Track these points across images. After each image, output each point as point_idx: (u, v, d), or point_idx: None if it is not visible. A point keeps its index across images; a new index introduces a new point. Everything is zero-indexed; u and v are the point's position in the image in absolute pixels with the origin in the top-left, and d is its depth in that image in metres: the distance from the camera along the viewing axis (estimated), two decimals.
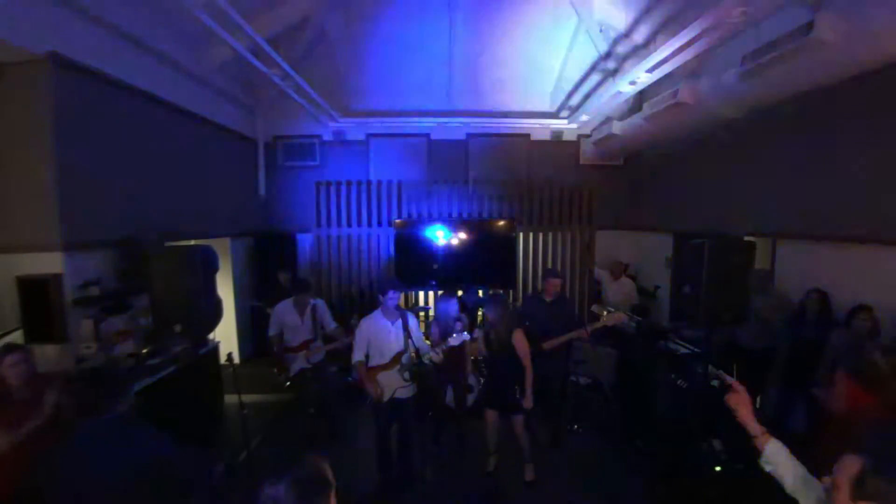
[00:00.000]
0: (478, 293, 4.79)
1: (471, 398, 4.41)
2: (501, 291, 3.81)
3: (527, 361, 3.53)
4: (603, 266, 6.84)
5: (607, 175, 7.58)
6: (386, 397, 3.45)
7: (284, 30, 5.21)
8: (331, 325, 4.38)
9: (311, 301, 4.32)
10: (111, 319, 3.78)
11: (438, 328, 4.24)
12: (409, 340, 3.43)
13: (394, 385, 3.47)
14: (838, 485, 1.19)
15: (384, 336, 3.50)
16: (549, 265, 6.94)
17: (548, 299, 4.21)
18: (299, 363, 4.26)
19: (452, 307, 4.41)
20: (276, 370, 4.22)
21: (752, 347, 4.34)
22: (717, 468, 3.45)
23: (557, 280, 4.26)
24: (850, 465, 1.18)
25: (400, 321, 3.49)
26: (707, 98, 4.58)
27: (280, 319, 4.26)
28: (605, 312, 4.01)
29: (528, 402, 3.52)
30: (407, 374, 3.46)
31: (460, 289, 5.08)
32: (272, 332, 4.29)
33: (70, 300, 3.48)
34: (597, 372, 4.66)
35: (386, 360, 3.50)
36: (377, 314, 3.56)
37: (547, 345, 3.92)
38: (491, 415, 3.73)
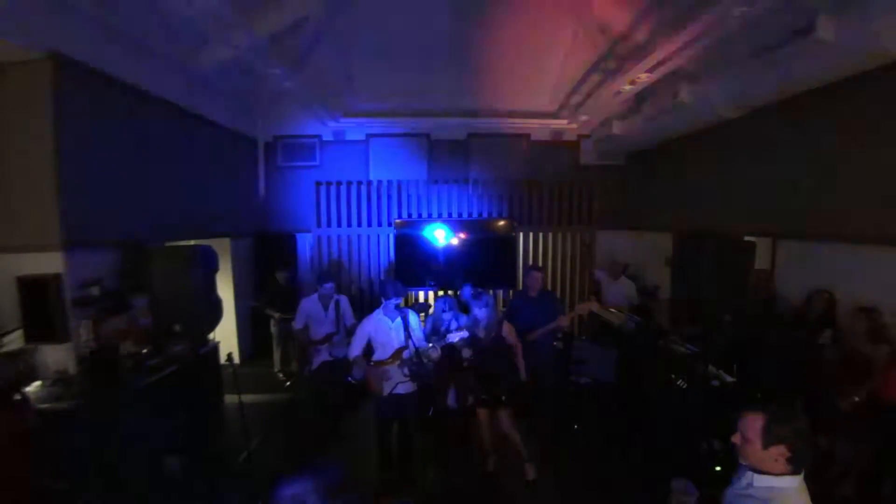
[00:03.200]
0: (470, 292, 4.79)
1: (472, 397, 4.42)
2: (484, 290, 3.87)
3: (518, 347, 3.66)
4: (602, 266, 6.84)
5: (607, 175, 7.58)
6: (386, 391, 3.49)
7: (284, 30, 5.21)
8: (351, 320, 4.47)
9: (336, 296, 4.42)
10: (111, 319, 3.78)
11: (431, 327, 4.27)
12: (410, 339, 3.46)
13: (394, 380, 3.52)
14: (749, 439, 1.40)
15: (385, 333, 3.58)
16: (550, 265, 6.94)
17: (532, 294, 4.34)
18: (322, 356, 4.34)
19: (449, 307, 4.41)
20: (281, 371, 4.18)
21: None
22: (717, 468, 3.44)
23: (539, 273, 4.39)
24: (754, 421, 1.40)
25: (400, 319, 3.53)
26: (707, 98, 4.58)
27: (306, 313, 4.36)
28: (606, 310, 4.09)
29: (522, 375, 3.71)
30: (406, 370, 3.50)
31: (457, 288, 5.10)
32: (299, 325, 4.40)
33: (70, 300, 3.48)
34: (597, 372, 4.66)
35: (387, 355, 3.57)
36: (378, 312, 3.64)
37: (531, 336, 4.02)
38: (483, 414, 3.74)
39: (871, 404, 3.16)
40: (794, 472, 1.37)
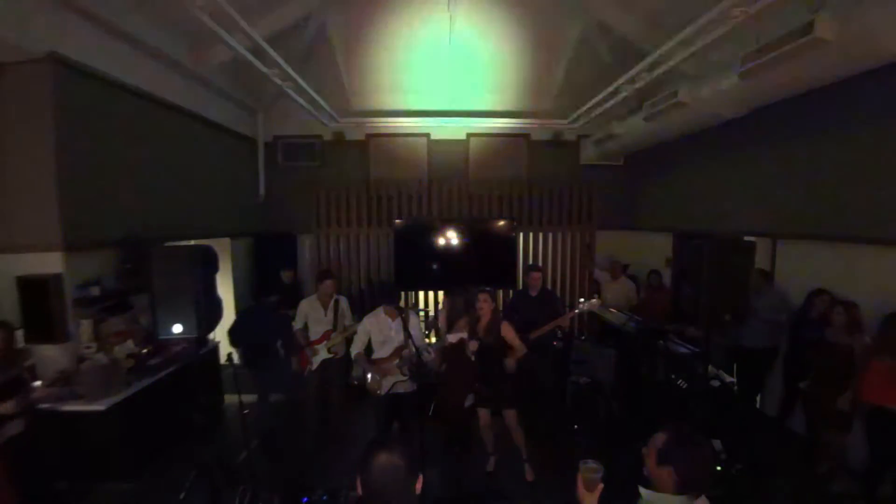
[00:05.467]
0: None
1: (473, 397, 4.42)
2: (489, 289, 3.82)
3: (516, 342, 3.58)
4: (602, 266, 6.84)
5: (607, 175, 7.58)
6: (384, 390, 3.50)
7: (284, 30, 5.21)
8: (350, 321, 4.45)
9: (335, 296, 4.42)
10: (111, 319, 3.78)
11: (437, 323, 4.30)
12: (410, 339, 3.46)
13: (392, 379, 3.53)
14: (650, 454, 1.55)
15: (385, 331, 3.62)
16: (550, 265, 6.94)
17: (532, 294, 4.40)
18: (323, 354, 4.32)
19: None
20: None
21: (752, 347, 4.34)
22: (717, 468, 3.44)
23: (538, 273, 4.47)
24: (657, 439, 1.55)
25: (401, 318, 3.54)
26: (707, 98, 4.58)
27: (304, 313, 4.35)
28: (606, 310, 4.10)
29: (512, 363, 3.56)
30: (405, 369, 3.50)
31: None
32: (298, 325, 4.38)
33: (70, 300, 3.48)
34: (597, 372, 4.66)
35: (387, 353, 3.59)
36: (379, 311, 3.68)
37: (533, 335, 4.02)
38: (484, 413, 3.74)
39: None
40: (681, 493, 1.47)
